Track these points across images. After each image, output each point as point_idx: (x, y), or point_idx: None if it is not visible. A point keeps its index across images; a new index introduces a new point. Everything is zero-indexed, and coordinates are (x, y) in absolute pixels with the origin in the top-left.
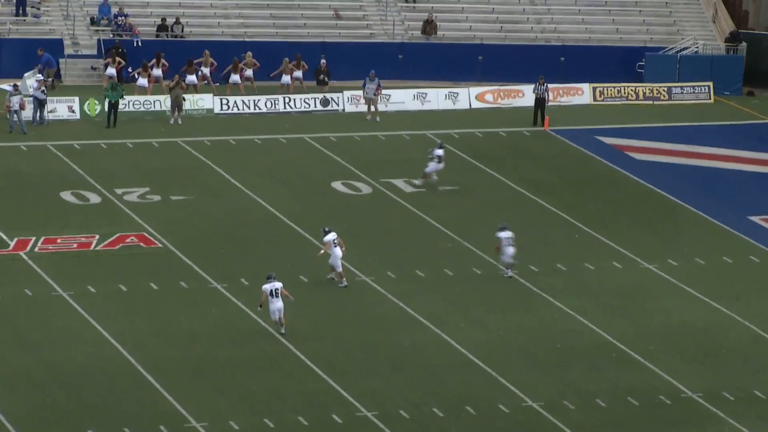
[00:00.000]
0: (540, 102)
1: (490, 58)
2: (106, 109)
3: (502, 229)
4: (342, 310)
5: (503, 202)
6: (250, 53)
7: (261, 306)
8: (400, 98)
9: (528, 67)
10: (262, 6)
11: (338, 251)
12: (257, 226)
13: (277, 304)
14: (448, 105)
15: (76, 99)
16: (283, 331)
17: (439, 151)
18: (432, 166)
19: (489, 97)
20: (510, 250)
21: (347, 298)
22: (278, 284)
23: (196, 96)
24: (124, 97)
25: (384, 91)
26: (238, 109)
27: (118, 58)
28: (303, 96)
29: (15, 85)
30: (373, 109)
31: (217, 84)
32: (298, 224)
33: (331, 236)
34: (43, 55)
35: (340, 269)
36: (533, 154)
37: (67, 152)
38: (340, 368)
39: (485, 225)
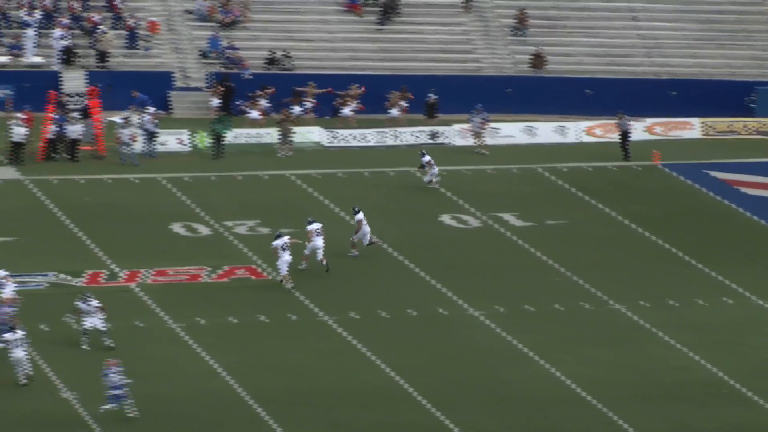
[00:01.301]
0: (624, 136)
1: (599, 92)
2: (213, 141)
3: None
4: (450, 343)
5: (612, 237)
6: (355, 86)
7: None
8: (509, 132)
9: (637, 101)
10: (371, 39)
11: (320, 241)
12: (365, 259)
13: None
14: (556, 138)
15: (186, 131)
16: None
17: (426, 158)
18: (429, 175)
19: (598, 131)
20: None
21: (455, 331)
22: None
23: (305, 129)
24: (232, 129)
25: (492, 125)
26: (347, 143)
27: (220, 87)
28: (411, 129)
29: (126, 118)
30: (480, 142)
31: (326, 117)
32: (406, 257)
33: (315, 226)
34: (138, 96)
35: (321, 257)
36: (642, 189)
37: (176, 184)
38: (447, 402)
39: (594, 259)
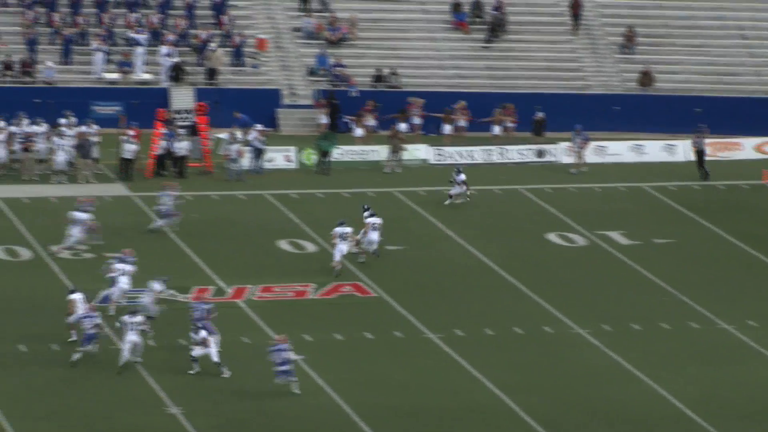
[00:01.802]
0: (700, 155)
1: (707, 110)
2: (319, 157)
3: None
4: (555, 361)
5: (720, 256)
6: (463, 102)
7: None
8: (617, 150)
9: (747, 119)
10: (478, 57)
11: (375, 235)
12: (470, 276)
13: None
14: (664, 157)
15: (293, 148)
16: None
17: (461, 176)
18: (456, 189)
19: (707, 149)
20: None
21: (561, 350)
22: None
23: (412, 146)
24: (338, 145)
25: (600, 143)
26: (453, 160)
27: (325, 102)
28: (518, 147)
29: (232, 134)
30: (579, 161)
31: (432, 134)
32: (512, 275)
33: (373, 220)
34: (240, 117)
35: (374, 249)
36: (751, 208)
37: (283, 201)
38: (552, 420)
39: (702, 278)
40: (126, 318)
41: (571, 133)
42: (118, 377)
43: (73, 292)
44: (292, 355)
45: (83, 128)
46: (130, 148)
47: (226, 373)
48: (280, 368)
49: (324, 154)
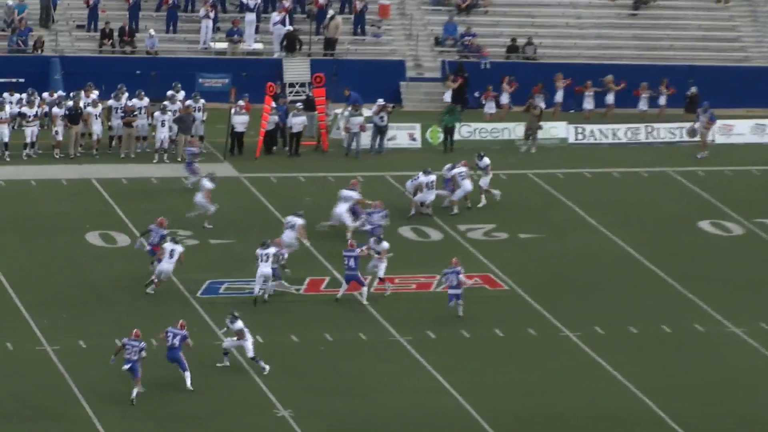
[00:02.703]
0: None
1: None
2: (441, 133)
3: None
4: (707, 363)
5: None
6: (610, 77)
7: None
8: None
9: None
10: (624, 25)
11: (468, 184)
12: (613, 268)
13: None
14: None
15: (418, 126)
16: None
17: (485, 160)
18: (485, 178)
19: None
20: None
21: (713, 350)
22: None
23: (549, 124)
24: (462, 121)
25: (761, 121)
26: (595, 139)
27: (452, 77)
28: (667, 125)
29: (355, 106)
30: (704, 141)
31: (571, 111)
32: (659, 267)
33: (459, 170)
34: (349, 95)
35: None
36: None
37: (403, 182)
38: (703, 428)
39: None
40: (258, 251)
41: (698, 111)
42: (228, 378)
43: (235, 319)
44: (468, 281)
45: (189, 102)
46: (241, 120)
47: (266, 369)
48: (453, 291)
49: (448, 130)
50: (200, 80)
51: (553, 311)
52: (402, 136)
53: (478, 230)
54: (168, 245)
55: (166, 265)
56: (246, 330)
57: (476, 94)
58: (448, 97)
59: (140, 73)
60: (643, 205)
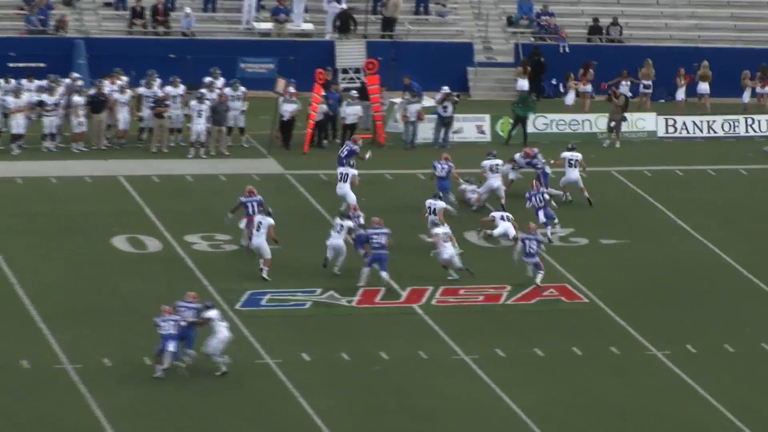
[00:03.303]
0: None
1: None
2: (511, 123)
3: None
4: None
5: None
6: (706, 63)
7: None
8: None
9: None
10: (722, 4)
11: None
12: (707, 278)
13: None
14: None
15: (487, 117)
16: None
17: (489, 162)
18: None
19: None
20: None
21: None
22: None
23: (636, 115)
24: (536, 111)
25: None
26: (688, 132)
27: (527, 68)
28: None
29: (412, 92)
30: None
31: (662, 101)
32: (761, 278)
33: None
34: (409, 83)
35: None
36: None
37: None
38: None
39: None
40: (337, 221)
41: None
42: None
43: (208, 309)
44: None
45: (227, 90)
46: (290, 108)
47: (223, 370)
48: (530, 260)
49: (519, 120)
50: (242, 65)
51: (639, 327)
52: (469, 128)
53: (554, 235)
54: (257, 218)
55: (258, 239)
56: (222, 325)
57: (554, 82)
58: (522, 84)
59: (175, 57)
60: (742, 206)
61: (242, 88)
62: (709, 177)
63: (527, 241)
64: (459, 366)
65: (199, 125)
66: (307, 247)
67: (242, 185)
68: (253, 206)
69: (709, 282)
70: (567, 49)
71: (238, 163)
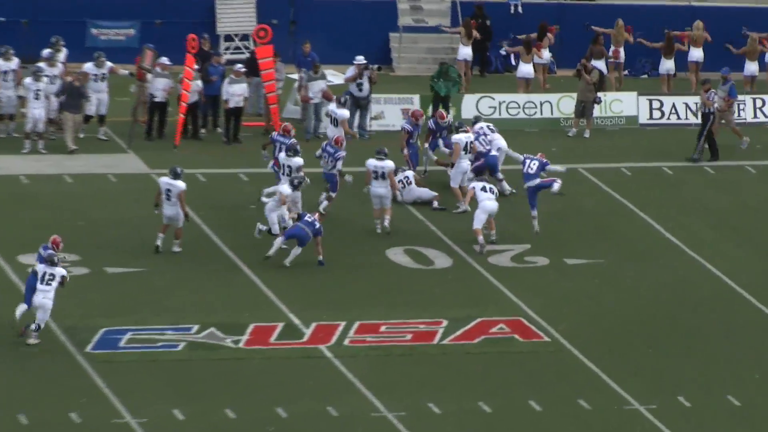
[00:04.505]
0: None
1: None
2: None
3: None
4: None
5: None
6: (699, 23)
7: None
8: None
9: None
10: None
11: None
12: (705, 308)
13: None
14: None
15: (416, 98)
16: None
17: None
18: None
19: None
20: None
21: None
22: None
23: (611, 95)
24: (462, 87)
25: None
26: (679, 118)
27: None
28: None
29: (315, 65)
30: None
31: (644, 75)
32: None
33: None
34: (309, 52)
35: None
36: None
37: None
38: None
39: None
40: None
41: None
42: None
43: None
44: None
45: (88, 66)
46: (162, 85)
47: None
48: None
49: (440, 100)
50: (93, 31)
51: (615, 373)
52: (393, 112)
53: (504, 253)
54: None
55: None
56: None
57: (502, 51)
58: (465, 54)
59: (4, 21)
60: (749, 214)
61: (109, 64)
62: (707, 175)
63: (528, 161)
64: (380, 426)
65: (37, 110)
66: (170, 270)
67: (94, 188)
68: (280, 146)
69: (708, 314)
70: (520, 9)
71: (88, 159)
